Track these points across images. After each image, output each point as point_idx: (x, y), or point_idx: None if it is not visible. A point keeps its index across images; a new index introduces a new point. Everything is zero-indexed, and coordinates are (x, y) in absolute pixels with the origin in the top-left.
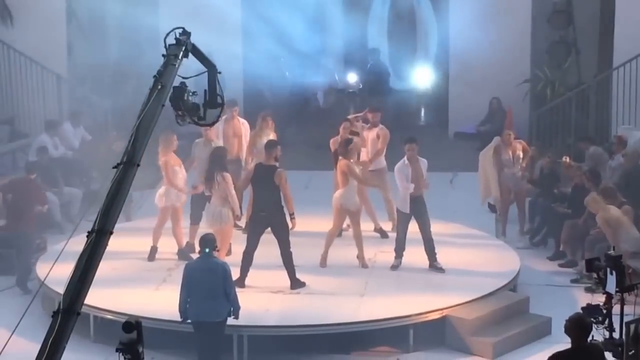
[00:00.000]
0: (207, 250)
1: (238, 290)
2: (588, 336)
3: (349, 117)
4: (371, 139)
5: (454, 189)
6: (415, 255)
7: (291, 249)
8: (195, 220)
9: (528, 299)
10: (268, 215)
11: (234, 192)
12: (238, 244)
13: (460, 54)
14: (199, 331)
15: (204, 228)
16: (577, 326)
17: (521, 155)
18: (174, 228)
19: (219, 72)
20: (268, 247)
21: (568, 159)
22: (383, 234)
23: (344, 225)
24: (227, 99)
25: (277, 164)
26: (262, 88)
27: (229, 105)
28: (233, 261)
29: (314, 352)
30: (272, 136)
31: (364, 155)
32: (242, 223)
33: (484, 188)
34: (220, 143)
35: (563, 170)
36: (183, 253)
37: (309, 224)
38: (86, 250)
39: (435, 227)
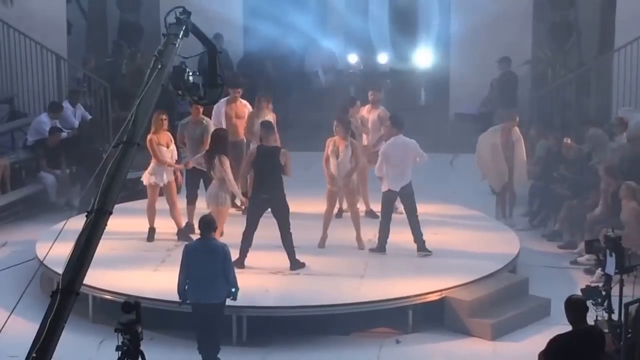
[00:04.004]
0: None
1: (237, 271)
2: (585, 316)
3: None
4: (372, 120)
5: (454, 170)
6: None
7: (291, 230)
8: (191, 200)
9: (527, 280)
10: (271, 197)
11: (231, 176)
12: (237, 226)
13: (462, 35)
14: (197, 313)
15: (202, 209)
16: (571, 307)
17: (520, 139)
18: (171, 210)
19: (219, 52)
20: (267, 228)
21: (569, 141)
22: (373, 216)
23: (345, 207)
24: (231, 80)
25: (278, 145)
26: (264, 67)
27: (233, 86)
28: (230, 242)
29: (313, 333)
30: (269, 117)
31: (365, 139)
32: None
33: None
34: (211, 123)
35: (563, 152)
36: (182, 234)
37: (308, 205)
38: (85, 230)
39: (435, 208)
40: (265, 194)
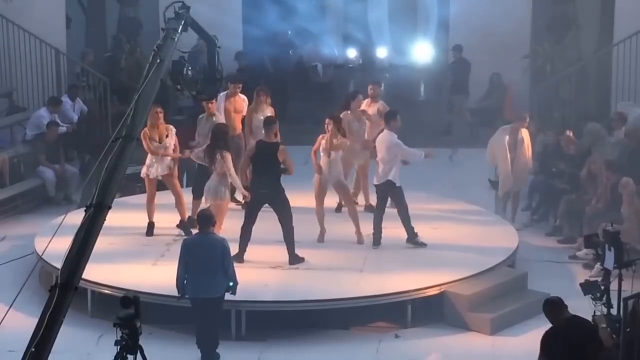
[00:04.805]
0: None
1: (236, 265)
2: (562, 310)
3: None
4: (371, 114)
5: (453, 164)
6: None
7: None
8: (197, 194)
9: (526, 274)
10: (270, 192)
11: (233, 170)
12: (237, 220)
13: (461, 30)
14: (196, 307)
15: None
16: (548, 308)
17: (524, 140)
18: (175, 201)
19: (219, 47)
20: (267, 222)
21: (571, 134)
22: (372, 210)
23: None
24: (231, 75)
25: (278, 141)
26: (262, 62)
27: (232, 81)
28: (229, 237)
29: (312, 328)
30: (268, 111)
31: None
32: (240, 197)
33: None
34: (221, 118)
35: (563, 146)
36: (183, 225)
37: (308, 199)
38: (84, 225)
39: (434, 203)
40: (264, 189)
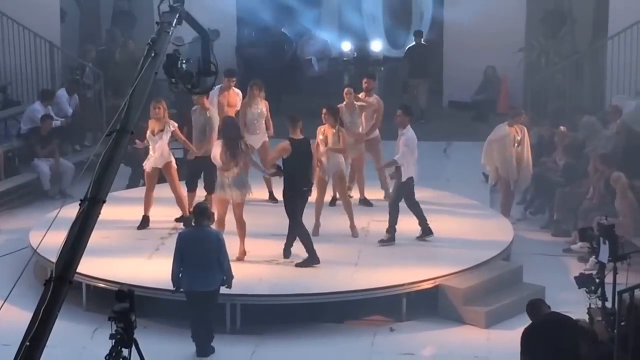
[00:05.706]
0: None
1: (232, 259)
2: (540, 309)
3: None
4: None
5: (447, 158)
6: (408, 225)
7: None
8: (192, 187)
9: (521, 268)
10: (309, 189)
11: (252, 157)
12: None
13: (455, 23)
14: (191, 301)
15: (201, 198)
16: (531, 309)
17: (518, 138)
18: (176, 200)
19: (213, 40)
20: (261, 216)
21: (565, 129)
22: (367, 204)
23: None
24: (225, 68)
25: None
26: (257, 55)
27: (227, 75)
28: (229, 231)
29: (307, 321)
30: (262, 105)
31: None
32: None
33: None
34: (215, 112)
35: (557, 139)
36: (187, 220)
37: None
38: (79, 219)
39: (429, 196)
40: (306, 186)
